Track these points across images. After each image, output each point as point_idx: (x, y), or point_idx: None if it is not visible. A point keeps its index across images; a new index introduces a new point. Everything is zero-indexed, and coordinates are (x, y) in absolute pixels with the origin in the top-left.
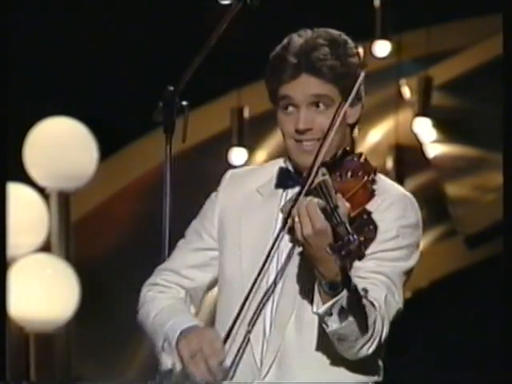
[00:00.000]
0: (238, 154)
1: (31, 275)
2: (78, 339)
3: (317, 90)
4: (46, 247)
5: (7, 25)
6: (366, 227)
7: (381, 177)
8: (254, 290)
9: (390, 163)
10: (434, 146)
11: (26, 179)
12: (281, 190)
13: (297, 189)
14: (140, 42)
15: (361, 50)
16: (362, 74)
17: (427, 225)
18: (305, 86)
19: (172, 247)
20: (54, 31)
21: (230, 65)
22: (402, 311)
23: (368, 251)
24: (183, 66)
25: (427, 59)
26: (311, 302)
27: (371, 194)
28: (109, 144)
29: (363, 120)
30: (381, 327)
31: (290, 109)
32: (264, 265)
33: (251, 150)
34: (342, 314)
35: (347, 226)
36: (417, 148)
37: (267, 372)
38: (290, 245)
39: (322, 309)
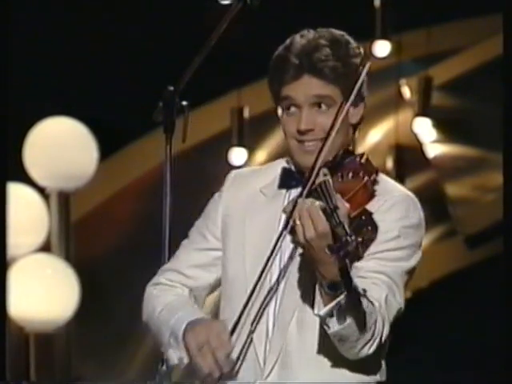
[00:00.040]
0: (238, 154)
1: (31, 275)
2: (78, 339)
3: (318, 91)
4: (46, 247)
5: (7, 25)
6: (364, 228)
7: (383, 177)
8: (256, 289)
9: (390, 163)
10: (434, 145)
11: (26, 179)
12: (284, 191)
13: (300, 189)
14: (140, 41)
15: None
16: (367, 66)
17: (427, 225)
18: (306, 87)
19: (172, 247)
20: (54, 31)
21: (230, 65)
22: (402, 311)
23: (370, 251)
24: (183, 66)
25: (427, 59)
26: (313, 302)
27: (371, 195)
28: (109, 144)
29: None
30: (381, 327)
31: (292, 109)
32: (266, 265)
33: (251, 149)
34: (343, 314)
35: (346, 226)
36: (417, 148)
37: (270, 372)
38: (292, 245)
39: (323, 310)
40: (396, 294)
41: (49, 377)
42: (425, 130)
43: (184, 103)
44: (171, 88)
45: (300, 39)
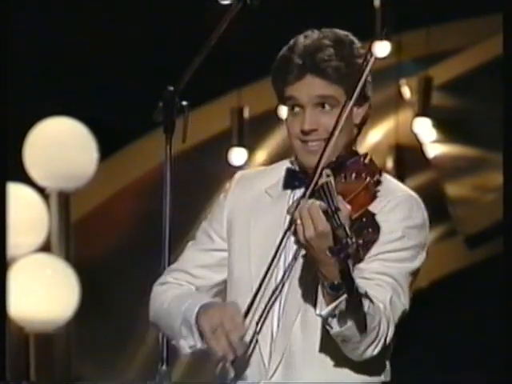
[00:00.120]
0: (237, 154)
1: (31, 275)
2: (78, 339)
3: (322, 91)
4: (46, 247)
5: (7, 25)
6: (365, 230)
7: (386, 177)
8: (261, 290)
9: (390, 163)
10: (434, 145)
11: (26, 179)
12: (289, 191)
13: (304, 189)
14: (140, 41)
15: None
16: (371, 61)
17: None
18: (310, 87)
19: (172, 247)
20: (54, 31)
21: (230, 65)
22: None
23: (373, 252)
24: (183, 66)
25: (427, 59)
26: (316, 303)
27: (374, 196)
28: (109, 144)
29: None
30: (386, 328)
31: (296, 109)
32: (270, 265)
33: (251, 150)
34: (344, 315)
35: (346, 228)
36: (417, 148)
37: (274, 372)
38: (296, 246)
39: (325, 311)
40: (401, 295)
41: (49, 377)
42: (425, 130)
43: (184, 103)
44: (171, 88)
45: (304, 39)
